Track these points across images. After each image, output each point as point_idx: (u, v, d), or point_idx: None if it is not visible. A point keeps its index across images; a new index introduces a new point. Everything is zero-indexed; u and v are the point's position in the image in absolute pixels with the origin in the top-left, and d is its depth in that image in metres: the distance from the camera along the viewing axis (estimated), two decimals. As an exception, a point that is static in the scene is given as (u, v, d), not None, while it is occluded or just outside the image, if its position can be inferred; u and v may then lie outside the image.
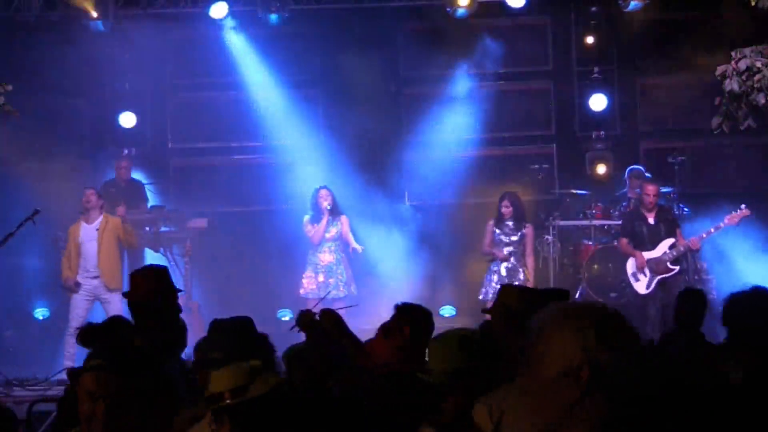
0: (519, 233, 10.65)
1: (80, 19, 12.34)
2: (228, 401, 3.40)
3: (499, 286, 10.02)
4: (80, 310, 10.29)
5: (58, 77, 12.42)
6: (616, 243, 11.60)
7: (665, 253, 10.55)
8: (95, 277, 10.42)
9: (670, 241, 10.58)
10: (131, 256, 11.69)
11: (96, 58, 12.62)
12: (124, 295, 5.28)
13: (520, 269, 10.60)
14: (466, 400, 3.54)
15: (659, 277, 10.48)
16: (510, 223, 10.66)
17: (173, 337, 5.13)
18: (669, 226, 10.67)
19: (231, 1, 12.52)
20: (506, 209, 10.68)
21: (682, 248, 10.53)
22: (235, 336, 4.50)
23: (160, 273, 5.33)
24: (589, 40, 13.01)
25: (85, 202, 10.59)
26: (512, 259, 10.60)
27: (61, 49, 12.22)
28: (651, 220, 10.66)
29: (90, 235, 10.50)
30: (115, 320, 5.03)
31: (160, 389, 3.86)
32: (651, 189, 10.66)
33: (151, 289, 5.18)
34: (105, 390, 3.40)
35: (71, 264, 10.44)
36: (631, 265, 10.65)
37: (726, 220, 10.48)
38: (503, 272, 10.59)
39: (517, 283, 10.23)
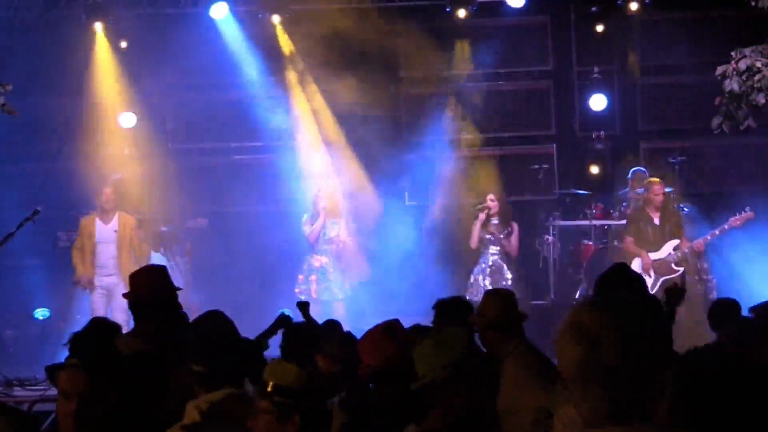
0: (505, 232, 10.56)
1: (80, 19, 12.34)
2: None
3: (487, 285, 10.07)
4: (101, 311, 10.19)
5: (58, 77, 12.41)
6: (616, 243, 11.59)
7: (669, 254, 10.50)
8: (111, 275, 10.39)
9: (675, 242, 10.53)
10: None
11: (96, 58, 12.61)
12: (125, 296, 5.26)
13: (505, 267, 10.51)
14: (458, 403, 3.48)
15: (663, 278, 10.41)
16: (495, 222, 10.60)
17: (177, 335, 5.08)
18: (674, 227, 10.62)
19: (231, 1, 12.52)
20: (491, 202, 10.57)
21: (686, 250, 10.48)
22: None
23: (160, 272, 5.32)
24: (590, 39, 13.01)
25: (104, 202, 10.50)
26: (497, 258, 10.51)
27: (61, 49, 12.21)
28: (656, 221, 10.61)
29: (108, 236, 10.44)
30: (98, 322, 5.02)
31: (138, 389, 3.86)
32: (658, 188, 10.61)
33: (152, 288, 5.16)
34: (78, 388, 3.42)
35: (84, 259, 10.39)
36: (636, 266, 10.55)
37: (730, 223, 10.42)
38: (489, 271, 10.47)
39: (503, 282, 10.18)
